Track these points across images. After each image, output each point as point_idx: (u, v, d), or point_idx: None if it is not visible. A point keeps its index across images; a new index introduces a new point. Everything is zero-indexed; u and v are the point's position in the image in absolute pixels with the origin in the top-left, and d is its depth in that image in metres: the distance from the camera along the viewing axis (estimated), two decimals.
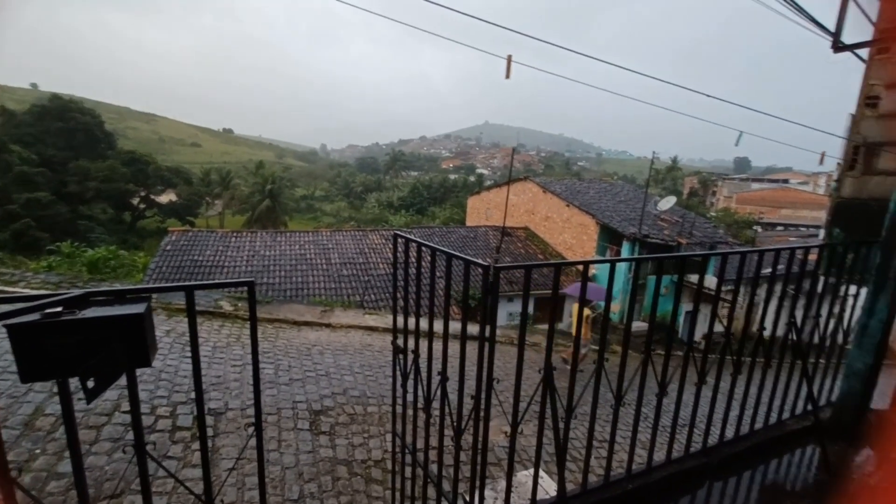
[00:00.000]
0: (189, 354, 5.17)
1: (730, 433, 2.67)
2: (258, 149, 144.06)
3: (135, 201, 41.64)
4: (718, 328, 2.56)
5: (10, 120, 40.92)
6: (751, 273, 2.65)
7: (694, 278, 14.94)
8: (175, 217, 42.04)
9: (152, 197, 42.76)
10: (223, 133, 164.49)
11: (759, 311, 2.60)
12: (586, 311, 8.01)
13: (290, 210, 50.95)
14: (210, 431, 3.94)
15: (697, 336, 12.97)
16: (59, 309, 1.02)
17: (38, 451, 3.18)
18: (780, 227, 48.35)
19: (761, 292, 2.84)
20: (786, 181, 65.58)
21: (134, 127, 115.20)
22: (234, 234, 16.72)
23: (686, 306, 14.68)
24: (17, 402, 3.62)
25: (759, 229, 38.79)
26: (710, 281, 14.25)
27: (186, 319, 5.38)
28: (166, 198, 43.65)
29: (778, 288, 2.61)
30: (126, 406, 3.90)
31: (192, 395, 4.35)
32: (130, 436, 3.61)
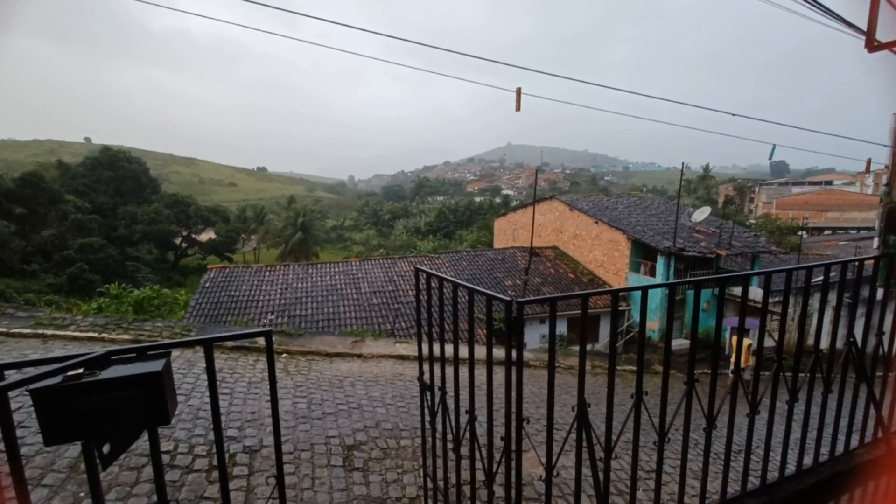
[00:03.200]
0: (226, 392, 5.27)
1: (790, 465, 2.42)
2: (290, 184, 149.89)
3: (177, 241, 43.98)
4: (768, 343, 2.37)
5: (66, 172, 44.51)
6: (800, 283, 2.46)
7: (737, 290, 14.20)
8: (214, 254, 43.97)
9: (193, 236, 45.03)
10: (257, 172, 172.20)
11: (813, 325, 2.39)
12: (747, 341, 7.83)
13: (321, 241, 52.37)
14: (245, 470, 3.94)
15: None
16: (81, 371, 1.04)
17: (81, 494, 3.25)
18: (827, 232, 45.74)
19: (813, 302, 2.62)
20: (829, 183, 62.40)
21: (176, 171, 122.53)
22: (268, 269, 17.25)
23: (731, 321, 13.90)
24: (63, 445, 3.75)
25: (805, 234, 36.74)
26: (756, 292, 13.49)
27: (229, 356, 5.40)
28: (206, 236, 45.85)
29: (832, 298, 2.41)
30: (167, 445, 3.97)
31: (230, 433, 4.39)
32: (170, 477, 3.66)
